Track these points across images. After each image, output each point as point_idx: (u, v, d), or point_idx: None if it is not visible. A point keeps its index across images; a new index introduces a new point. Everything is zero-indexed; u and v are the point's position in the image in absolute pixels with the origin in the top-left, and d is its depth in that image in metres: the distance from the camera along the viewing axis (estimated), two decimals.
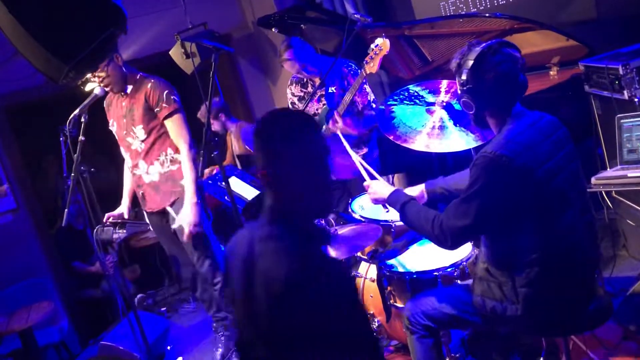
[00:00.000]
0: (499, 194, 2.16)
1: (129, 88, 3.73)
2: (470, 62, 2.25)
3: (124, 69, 3.70)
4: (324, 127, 4.11)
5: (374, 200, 2.63)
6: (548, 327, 2.34)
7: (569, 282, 2.25)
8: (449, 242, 2.25)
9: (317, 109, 4.24)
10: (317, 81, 4.20)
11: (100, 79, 3.59)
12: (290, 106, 4.43)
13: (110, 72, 3.61)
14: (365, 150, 4.25)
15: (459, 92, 2.33)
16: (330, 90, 4.12)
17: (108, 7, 1.83)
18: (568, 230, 2.23)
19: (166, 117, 3.65)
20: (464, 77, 2.26)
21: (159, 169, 3.74)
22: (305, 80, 4.27)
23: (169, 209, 3.79)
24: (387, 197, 2.53)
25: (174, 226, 3.74)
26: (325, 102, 4.17)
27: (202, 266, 3.84)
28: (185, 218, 3.61)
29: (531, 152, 2.18)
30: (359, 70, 4.07)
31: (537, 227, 2.20)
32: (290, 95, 4.38)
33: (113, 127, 3.87)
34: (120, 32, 1.88)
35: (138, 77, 3.73)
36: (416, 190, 2.76)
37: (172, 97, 3.66)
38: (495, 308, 2.30)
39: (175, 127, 3.66)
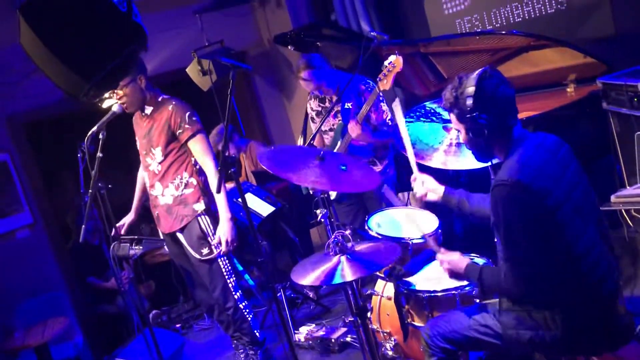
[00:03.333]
0: (528, 219, 2.16)
1: (149, 109, 3.73)
2: (472, 89, 2.25)
3: (145, 91, 3.70)
4: (338, 142, 4.11)
5: (450, 275, 2.55)
6: (576, 347, 2.30)
7: (600, 296, 2.23)
8: (523, 287, 2.23)
9: (333, 125, 4.25)
10: (334, 97, 4.21)
11: (119, 97, 3.61)
12: (309, 121, 4.45)
13: (128, 92, 3.62)
14: (380, 167, 4.24)
15: (464, 123, 2.31)
16: (346, 106, 4.13)
17: (129, 24, 1.84)
18: (590, 246, 2.22)
19: (189, 139, 3.66)
20: (469, 102, 2.25)
21: (173, 192, 3.75)
22: (323, 95, 4.30)
23: (179, 235, 3.79)
24: (464, 271, 2.47)
25: (192, 253, 3.75)
26: (341, 118, 4.18)
27: (214, 290, 3.84)
28: (220, 234, 3.63)
29: (544, 174, 2.19)
30: (378, 91, 4.08)
31: (567, 246, 2.18)
32: (309, 110, 4.43)
33: (137, 144, 3.90)
34: (140, 49, 1.90)
35: (160, 99, 3.74)
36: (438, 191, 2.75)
37: (193, 119, 3.67)
38: (533, 338, 2.26)
39: (199, 147, 3.68)
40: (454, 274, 2.53)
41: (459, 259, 2.51)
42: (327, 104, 4.27)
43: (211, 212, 3.74)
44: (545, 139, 2.33)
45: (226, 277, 3.83)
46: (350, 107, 4.10)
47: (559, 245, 2.17)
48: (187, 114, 3.66)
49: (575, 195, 2.22)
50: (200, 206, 3.73)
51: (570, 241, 2.18)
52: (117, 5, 1.81)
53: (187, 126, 3.65)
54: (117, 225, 3.89)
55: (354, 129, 3.91)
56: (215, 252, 3.72)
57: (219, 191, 3.07)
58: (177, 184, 3.74)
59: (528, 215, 2.16)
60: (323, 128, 4.29)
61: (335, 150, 4.07)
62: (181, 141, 3.69)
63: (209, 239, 3.73)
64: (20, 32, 1.90)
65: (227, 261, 3.82)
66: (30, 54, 1.98)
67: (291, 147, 4.21)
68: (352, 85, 4.10)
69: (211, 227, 3.73)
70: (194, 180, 3.73)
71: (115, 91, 3.57)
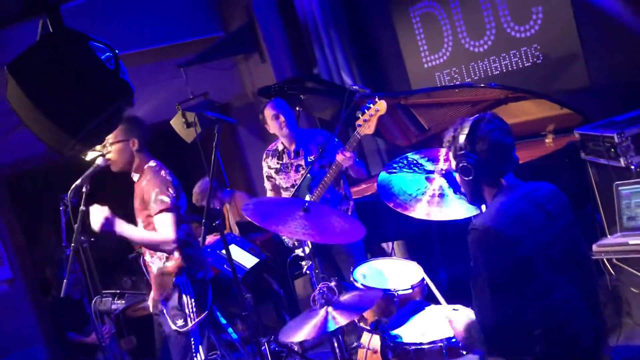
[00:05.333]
0: (495, 264, 2.19)
1: (136, 176, 3.64)
2: (467, 129, 2.31)
3: (134, 155, 3.59)
4: (307, 196, 4.10)
5: (457, 336, 2.58)
6: None
7: (574, 353, 2.22)
8: (495, 338, 2.24)
9: (295, 180, 4.24)
10: (292, 148, 4.24)
11: (107, 152, 3.55)
12: (265, 179, 4.42)
13: (116, 150, 3.54)
14: (351, 203, 4.27)
15: (455, 159, 2.36)
16: (309, 159, 4.16)
17: (116, 82, 1.86)
18: (565, 299, 2.21)
19: (155, 215, 3.51)
20: (460, 141, 2.31)
21: (158, 263, 3.67)
22: (281, 150, 4.30)
23: (160, 304, 3.71)
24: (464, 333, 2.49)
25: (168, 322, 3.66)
26: (303, 172, 4.17)
27: None
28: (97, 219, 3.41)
29: (521, 223, 2.20)
30: (335, 139, 4.13)
31: (536, 299, 2.18)
32: (266, 168, 4.39)
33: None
34: (126, 106, 1.92)
35: (145, 168, 3.61)
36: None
37: (159, 197, 3.50)
38: None
39: (159, 224, 3.50)
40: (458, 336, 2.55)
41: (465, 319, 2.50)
42: (284, 160, 4.29)
43: (197, 281, 3.64)
44: (536, 190, 2.34)
45: (194, 352, 3.72)
46: (313, 159, 4.12)
47: (526, 296, 2.17)
48: (156, 191, 3.50)
49: (554, 249, 2.22)
50: (180, 279, 3.64)
51: (540, 293, 2.18)
52: (105, 62, 1.84)
53: (153, 205, 3.50)
54: None
55: (346, 160, 3.88)
56: (190, 324, 3.62)
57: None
58: (160, 255, 3.66)
59: (495, 262, 2.18)
60: (284, 185, 4.29)
61: None
62: (152, 217, 3.57)
63: (186, 310, 3.64)
64: (7, 87, 1.91)
65: (198, 338, 3.68)
66: (16, 109, 1.98)
67: (275, 199, 4.21)
68: (310, 138, 4.20)
69: (190, 301, 3.63)
70: (176, 253, 3.65)
71: (104, 146, 3.53)
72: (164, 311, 3.68)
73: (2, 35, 4.50)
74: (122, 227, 3.43)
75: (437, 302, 2.96)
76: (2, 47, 5.10)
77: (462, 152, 2.31)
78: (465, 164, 2.31)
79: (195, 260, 3.64)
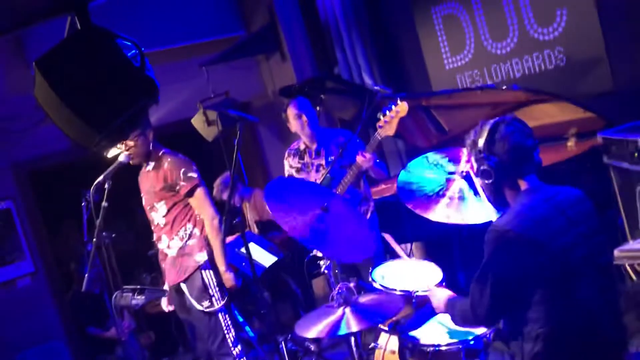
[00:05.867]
0: (508, 267, 2.19)
1: (151, 164, 3.82)
2: (486, 132, 2.31)
3: (150, 145, 3.80)
4: None
5: (437, 309, 2.67)
6: None
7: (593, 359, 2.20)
8: (484, 322, 2.37)
9: (315, 179, 4.25)
10: (314, 148, 4.24)
11: (128, 147, 3.66)
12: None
13: (138, 144, 3.70)
14: (371, 204, 4.27)
15: (476, 163, 2.36)
16: (330, 159, 4.16)
17: (142, 78, 1.89)
18: (582, 307, 2.19)
19: (187, 194, 3.73)
20: (480, 144, 2.31)
21: (178, 243, 3.79)
22: (302, 150, 4.31)
23: (182, 285, 3.79)
24: (444, 307, 2.59)
25: (193, 304, 3.76)
26: (323, 171, 4.18)
27: (212, 344, 3.82)
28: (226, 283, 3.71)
29: (543, 227, 2.18)
30: (357, 139, 4.13)
31: (546, 301, 2.17)
32: (288, 167, 4.42)
33: (143, 201, 3.93)
34: (152, 103, 1.94)
35: (160, 154, 3.82)
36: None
37: (188, 175, 3.73)
38: None
39: (197, 202, 3.75)
40: (439, 309, 2.63)
41: (443, 295, 2.60)
42: (306, 160, 4.30)
43: (214, 263, 3.74)
44: (559, 194, 2.31)
45: (225, 331, 3.80)
46: (333, 159, 4.12)
47: (538, 298, 2.17)
48: (182, 171, 3.72)
49: (573, 254, 2.20)
50: (202, 256, 3.73)
51: (554, 297, 2.17)
52: (131, 59, 1.86)
53: (183, 183, 3.71)
54: None
55: (366, 161, 3.90)
56: (216, 305, 3.71)
57: (218, 246, 3.14)
58: (182, 235, 3.78)
59: (513, 262, 2.18)
60: None
61: None
62: (181, 195, 3.75)
63: (210, 291, 3.72)
64: (35, 84, 1.94)
65: (227, 316, 3.79)
66: (43, 105, 2.02)
67: (301, 181, 4.18)
68: (331, 138, 4.21)
69: (214, 280, 3.73)
70: (197, 231, 3.76)
71: (126, 142, 3.63)
72: (186, 294, 3.74)
73: (29, 32, 4.57)
74: (222, 267, 3.73)
75: None
76: (27, 45, 5.18)
77: (482, 155, 2.30)
78: (486, 167, 2.30)
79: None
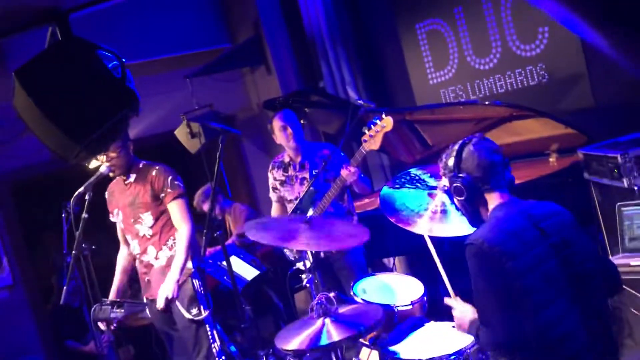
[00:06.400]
0: (491, 279, 2.22)
1: (132, 177, 3.79)
2: (455, 152, 2.41)
3: (131, 157, 3.80)
4: (310, 209, 4.09)
5: (459, 328, 2.56)
6: None
7: None
8: (499, 342, 2.29)
9: (299, 192, 4.23)
10: (298, 161, 4.24)
11: (109, 158, 3.64)
12: (271, 190, 4.42)
13: (120, 155, 3.69)
14: (355, 218, 4.26)
15: (449, 182, 2.42)
16: (314, 172, 4.16)
17: (122, 90, 1.87)
18: (561, 316, 2.21)
19: (170, 201, 3.71)
20: (450, 163, 2.40)
21: (167, 253, 3.77)
22: (286, 163, 4.31)
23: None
24: (468, 328, 2.47)
25: (182, 312, 3.71)
26: (307, 185, 4.17)
27: (197, 355, 3.78)
28: (162, 292, 3.61)
29: (515, 239, 2.22)
30: (341, 153, 4.13)
31: (533, 314, 2.19)
32: (272, 180, 4.40)
33: (118, 216, 3.90)
34: (132, 114, 1.93)
35: (141, 166, 3.82)
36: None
37: (175, 182, 3.74)
38: None
39: (177, 210, 3.72)
40: (459, 324, 2.53)
41: (469, 313, 2.48)
42: (290, 172, 4.30)
43: (200, 269, 3.72)
44: (534, 207, 2.36)
45: (210, 341, 3.77)
46: (317, 172, 4.12)
47: (523, 312, 2.18)
48: (170, 178, 3.74)
49: (547, 265, 2.22)
50: (194, 264, 3.71)
51: (537, 309, 2.18)
52: (112, 71, 1.85)
53: (169, 190, 3.72)
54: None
55: (350, 175, 3.87)
56: (204, 313, 3.67)
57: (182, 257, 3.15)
58: (171, 244, 3.76)
59: (491, 276, 2.21)
60: (288, 197, 4.29)
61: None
62: (165, 204, 3.73)
63: (200, 298, 3.69)
64: (14, 94, 1.92)
65: (212, 326, 3.76)
66: (22, 115, 2.00)
67: (274, 219, 4.20)
68: (316, 151, 4.20)
69: (202, 288, 3.69)
70: None
71: (107, 153, 3.61)
72: (176, 303, 3.71)
73: (11, 41, 4.54)
74: (175, 276, 3.63)
75: (437, 319, 2.95)
76: (8, 54, 5.14)
77: (452, 173, 2.39)
78: (457, 184, 2.37)
79: (195, 248, 3.72)
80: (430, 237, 3.06)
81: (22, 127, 2.04)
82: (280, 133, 4.19)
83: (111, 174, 3.74)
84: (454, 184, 2.38)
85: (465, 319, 2.47)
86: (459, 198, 2.40)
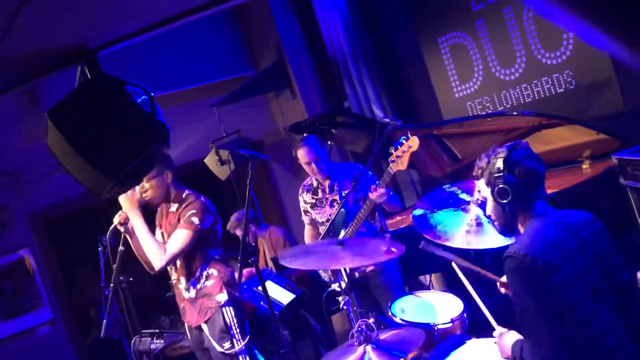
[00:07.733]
0: (535, 294, 2.15)
1: (174, 206, 3.73)
2: (503, 154, 2.32)
3: (170, 186, 3.71)
4: (342, 231, 4.08)
5: (503, 355, 2.50)
6: None
7: None
8: (546, 358, 2.19)
9: (330, 214, 4.23)
10: (327, 184, 4.24)
11: (143, 190, 3.63)
12: (303, 214, 4.43)
13: (153, 185, 3.64)
14: (387, 236, 4.23)
15: (492, 183, 2.34)
16: (344, 194, 4.14)
17: (152, 123, 1.90)
18: (608, 328, 2.15)
19: (178, 229, 3.61)
20: (497, 164, 2.31)
21: (196, 285, 3.73)
22: (315, 186, 4.31)
23: (203, 325, 3.74)
24: (512, 352, 2.41)
25: (214, 346, 3.69)
26: (337, 207, 4.16)
27: None
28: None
29: (556, 250, 2.16)
30: (369, 172, 4.11)
31: (580, 327, 2.13)
32: (302, 203, 4.41)
33: (166, 237, 3.84)
34: (163, 147, 1.95)
35: (184, 196, 3.73)
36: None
37: (192, 219, 3.60)
38: None
39: (177, 237, 3.59)
40: (502, 350, 2.47)
41: (510, 337, 2.44)
42: (319, 196, 4.30)
43: (235, 300, 3.70)
44: (568, 217, 2.31)
45: None
46: (347, 193, 4.10)
47: (570, 325, 2.12)
48: (191, 212, 3.60)
49: (590, 276, 2.17)
50: (223, 297, 3.69)
51: (583, 322, 2.12)
52: (141, 105, 1.88)
53: (182, 222, 3.60)
54: None
55: (379, 196, 3.83)
56: (237, 346, 3.66)
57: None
58: (198, 276, 3.72)
59: (535, 291, 2.14)
60: (320, 219, 4.29)
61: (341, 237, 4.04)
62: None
63: (231, 331, 3.68)
64: (47, 133, 1.96)
65: (247, 357, 3.73)
66: (56, 153, 2.03)
67: (307, 246, 4.18)
68: (344, 173, 4.19)
69: (235, 319, 3.67)
70: (214, 272, 3.71)
71: (142, 184, 3.61)
72: (207, 336, 3.69)
73: (42, 82, 4.65)
74: (138, 221, 3.54)
75: (478, 336, 2.90)
76: (40, 96, 5.27)
77: (500, 174, 2.30)
78: (503, 185, 2.30)
79: (230, 279, 3.69)
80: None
81: (54, 164, 2.08)
82: (305, 167, 4.22)
83: (148, 205, 3.71)
84: (499, 185, 2.30)
85: (508, 344, 2.41)
86: (500, 201, 2.31)
